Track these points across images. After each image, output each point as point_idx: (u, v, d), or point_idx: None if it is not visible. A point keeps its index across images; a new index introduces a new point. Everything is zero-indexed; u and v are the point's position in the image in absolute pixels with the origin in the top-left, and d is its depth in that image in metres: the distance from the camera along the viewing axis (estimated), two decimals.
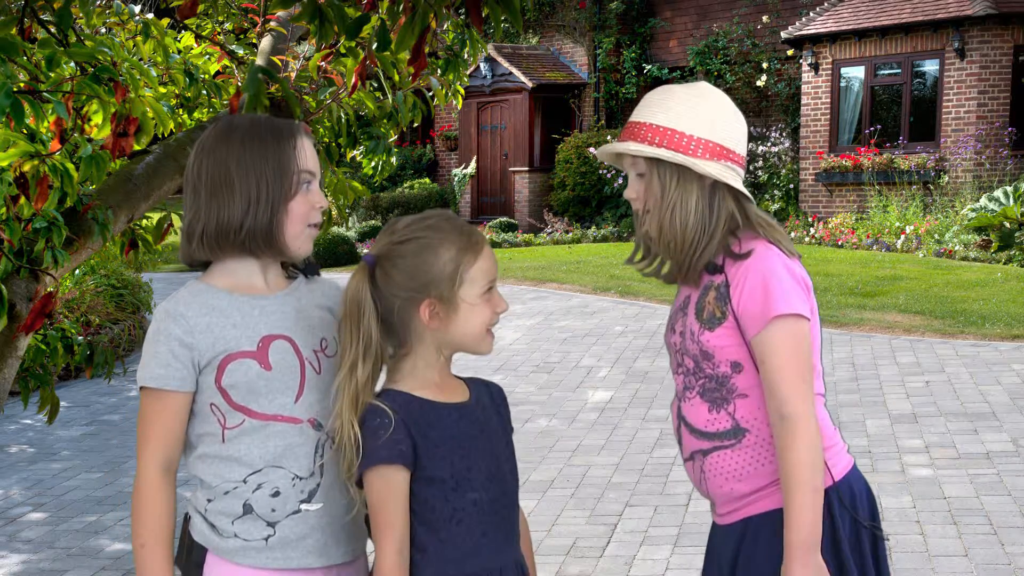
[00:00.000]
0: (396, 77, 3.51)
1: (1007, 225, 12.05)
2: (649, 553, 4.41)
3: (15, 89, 2.16)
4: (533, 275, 12.55)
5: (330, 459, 1.90)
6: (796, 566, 1.91)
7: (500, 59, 18.66)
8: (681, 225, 2.03)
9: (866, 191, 14.82)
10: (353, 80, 3.28)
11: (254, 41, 3.78)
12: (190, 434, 1.91)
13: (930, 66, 14.62)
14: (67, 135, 2.55)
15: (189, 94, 3.48)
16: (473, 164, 19.66)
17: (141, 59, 3.23)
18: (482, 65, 18.68)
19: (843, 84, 15.43)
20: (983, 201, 12.48)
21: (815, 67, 15.44)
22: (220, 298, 1.90)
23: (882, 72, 15.10)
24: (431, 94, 3.74)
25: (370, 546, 1.94)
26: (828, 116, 15.47)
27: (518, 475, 1.99)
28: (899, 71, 14.91)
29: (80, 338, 3.22)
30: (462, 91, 3.97)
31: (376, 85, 3.61)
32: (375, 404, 1.83)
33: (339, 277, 1.91)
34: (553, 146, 18.80)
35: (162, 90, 3.33)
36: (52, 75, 2.49)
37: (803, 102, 15.67)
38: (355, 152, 3.70)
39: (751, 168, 16.25)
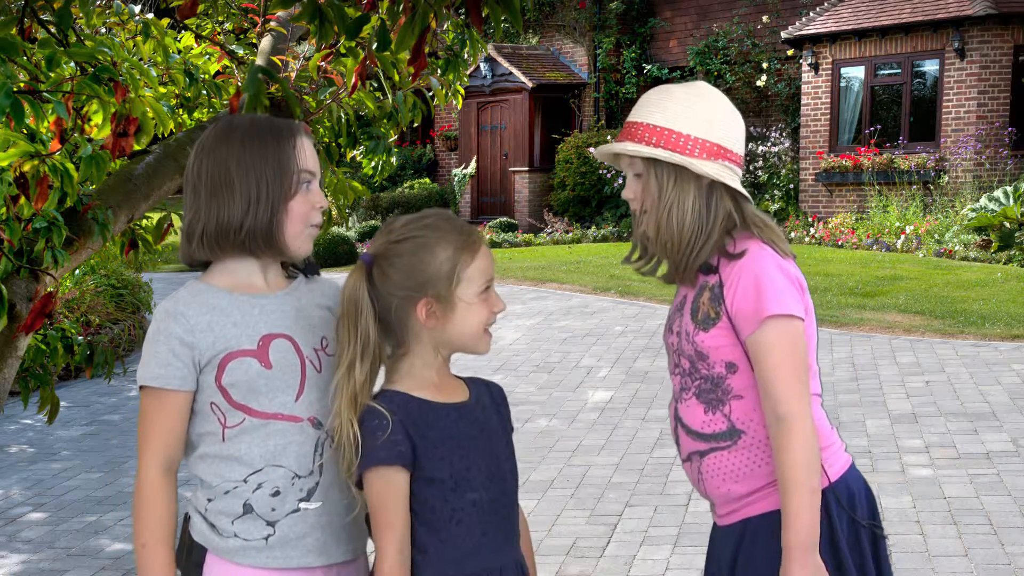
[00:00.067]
0: (396, 77, 3.51)
1: (1007, 225, 12.05)
2: (649, 553, 4.41)
3: (15, 89, 2.17)
4: (533, 275, 12.55)
5: (329, 458, 1.90)
6: (794, 567, 1.91)
7: (500, 59, 18.66)
8: (678, 225, 2.03)
9: (866, 191, 14.82)
10: (353, 80, 3.28)
11: (254, 41, 3.78)
12: (191, 434, 1.91)
13: (930, 66, 14.63)
14: (67, 135, 2.55)
15: (189, 94, 3.48)
16: (473, 164, 19.66)
17: (141, 59, 3.23)
18: (482, 65, 18.69)
19: (843, 84, 15.43)
20: (983, 201, 12.48)
21: (815, 67, 15.44)
22: (220, 297, 1.90)
23: (882, 72, 15.11)
24: (431, 94, 3.75)
25: (371, 546, 1.94)
26: (828, 116, 15.47)
27: (518, 475, 1.99)
28: (899, 71, 14.91)
29: (80, 338, 3.22)
30: (462, 91, 3.97)
31: (376, 85, 3.61)
32: (373, 405, 1.83)
33: (339, 277, 1.92)
34: (553, 146, 18.81)
35: (162, 90, 3.33)
36: (52, 75, 2.49)
37: (803, 102, 15.67)
38: (355, 152, 3.71)
39: (751, 168, 16.26)
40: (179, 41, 3.65)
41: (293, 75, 3.36)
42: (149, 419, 1.87)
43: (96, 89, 2.41)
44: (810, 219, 15.28)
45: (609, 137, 17.08)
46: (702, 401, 2.07)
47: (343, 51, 3.30)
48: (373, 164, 3.73)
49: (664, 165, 2.03)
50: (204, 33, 3.80)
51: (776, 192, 16.03)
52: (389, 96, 3.55)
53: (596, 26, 18.73)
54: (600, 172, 17.32)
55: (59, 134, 2.53)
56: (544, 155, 19.11)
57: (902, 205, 14.09)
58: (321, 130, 3.44)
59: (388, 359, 1.92)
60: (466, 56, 3.73)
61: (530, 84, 18.49)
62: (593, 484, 5.35)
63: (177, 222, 2.66)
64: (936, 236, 12.98)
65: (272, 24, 3.52)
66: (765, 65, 16.65)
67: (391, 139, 3.78)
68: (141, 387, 1.88)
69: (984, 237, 12.34)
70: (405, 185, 19.93)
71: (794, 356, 1.96)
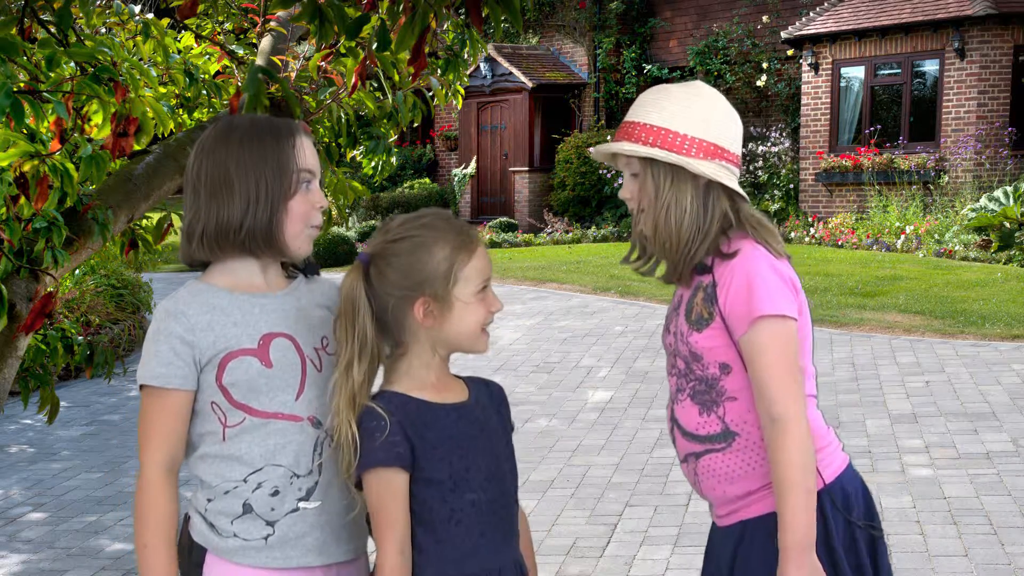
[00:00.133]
0: (396, 77, 3.51)
1: (1007, 225, 12.05)
2: (649, 553, 4.42)
3: (15, 89, 2.17)
4: (533, 275, 12.55)
5: (328, 457, 1.90)
6: (791, 568, 1.90)
7: (500, 59, 18.66)
8: (676, 224, 2.02)
9: (866, 191, 14.82)
10: (353, 80, 3.28)
11: (254, 41, 3.78)
12: (191, 434, 1.91)
13: (930, 66, 14.63)
14: (67, 135, 2.55)
15: (189, 94, 3.49)
16: (473, 164, 19.66)
17: (141, 59, 3.23)
18: (482, 65, 18.69)
19: (843, 84, 15.43)
20: (983, 201, 12.48)
21: (815, 67, 15.44)
22: (220, 297, 1.90)
23: (882, 72, 15.11)
24: (431, 94, 3.75)
25: (371, 545, 1.95)
26: (828, 116, 15.47)
27: (518, 475, 1.99)
28: (899, 71, 14.91)
29: (80, 338, 3.23)
30: (462, 91, 3.98)
31: (376, 85, 3.61)
32: (371, 406, 1.83)
33: (339, 277, 1.92)
34: (553, 146, 18.81)
35: (162, 90, 3.34)
36: (52, 75, 2.49)
37: (803, 102, 15.68)
38: (355, 152, 3.71)
39: (751, 168, 16.26)
40: (179, 41, 3.65)
41: (293, 75, 3.36)
42: (150, 419, 1.86)
43: (96, 89, 2.41)
44: (810, 219, 15.28)
45: (609, 137, 17.07)
46: (697, 402, 2.07)
47: (343, 51, 3.30)
48: (373, 164, 3.73)
49: (661, 165, 2.03)
50: (204, 33, 3.80)
51: (776, 192, 16.03)
52: (389, 96, 3.55)
53: (596, 26, 18.73)
54: (600, 172, 17.32)
55: (59, 134, 2.53)
56: (544, 155, 19.11)
57: (902, 205, 14.09)
58: (321, 130, 3.44)
59: (387, 359, 1.92)
60: (466, 56, 3.73)
61: (530, 84, 18.49)
62: (593, 484, 5.35)
63: (177, 222, 2.66)
64: (936, 236, 12.98)
65: (272, 24, 3.52)
66: (765, 65, 16.65)
67: (391, 139, 3.78)
68: (141, 386, 1.88)
69: (984, 237, 12.34)
70: (405, 185, 19.93)
71: (787, 356, 1.95)
